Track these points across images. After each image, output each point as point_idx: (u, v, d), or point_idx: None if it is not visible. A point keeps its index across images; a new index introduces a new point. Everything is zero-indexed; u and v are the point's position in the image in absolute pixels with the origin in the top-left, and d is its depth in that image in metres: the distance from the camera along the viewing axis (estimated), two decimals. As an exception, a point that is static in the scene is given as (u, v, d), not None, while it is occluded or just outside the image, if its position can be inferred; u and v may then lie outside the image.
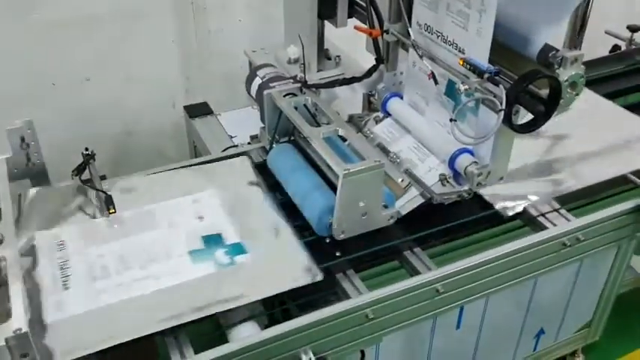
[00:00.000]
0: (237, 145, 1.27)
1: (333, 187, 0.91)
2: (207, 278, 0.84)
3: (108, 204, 0.91)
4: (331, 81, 1.05)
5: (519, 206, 1.00)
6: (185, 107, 1.44)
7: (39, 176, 0.99)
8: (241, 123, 1.36)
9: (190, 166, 1.08)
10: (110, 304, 0.79)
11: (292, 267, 0.86)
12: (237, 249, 0.89)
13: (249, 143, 1.26)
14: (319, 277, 0.85)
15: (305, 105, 1.00)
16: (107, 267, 0.84)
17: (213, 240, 0.90)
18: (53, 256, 0.86)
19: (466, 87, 0.84)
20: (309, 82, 1.03)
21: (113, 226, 0.91)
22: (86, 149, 1.01)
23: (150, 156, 1.67)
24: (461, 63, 0.86)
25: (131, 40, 1.52)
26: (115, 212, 0.91)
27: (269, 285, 0.84)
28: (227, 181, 1.02)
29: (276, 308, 0.90)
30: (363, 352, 0.90)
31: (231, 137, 1.33)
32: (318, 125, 0.98)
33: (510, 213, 0.99)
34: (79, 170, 0.99)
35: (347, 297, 0.85)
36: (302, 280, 0.85)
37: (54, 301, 0.79)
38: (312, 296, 0.88)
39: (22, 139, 0.95)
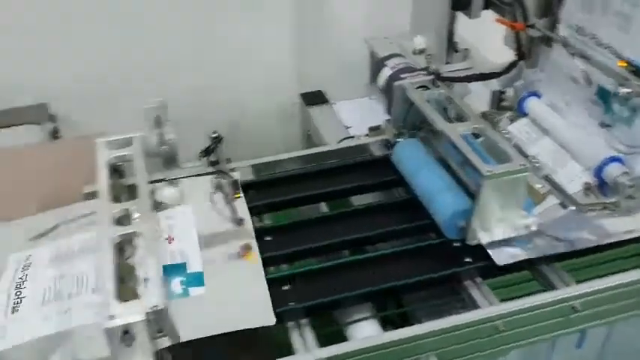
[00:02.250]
0: (353, 137, 1.25)
1: (464, 188, 0.87)
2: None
3: (235, 188, 0.91)
4: (467, 75, 1.00)
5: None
6: (302, 95, 1.43)
7: (169, 156, 1.00)
8: (358, 113, 1.34)
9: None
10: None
11: (245, 307, 0.76)
12: (196, 279, 0.79)
13: (366, 135, 1.24)
14: (271, 321, 0.74)
15: (437, 99, 0.96)
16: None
17: (175, 269, 0.80)
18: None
19: (628, 90, 0.77)
20: (442, 75, 0.98)
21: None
22: (214, 132, 1.01)
23: (257, 143, 1.68)
24: (622, 64, 0.79)
25: (247, 23, 1.53)
26: (240, 196, 0.90)
27: (205, 326, 0.73)
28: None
29: (391, 309, 0.88)
30: (485, 364, 0.85)
31: (347, 127, 1.31)
32: (450, 121, 0.94)
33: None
34: (207, 152, 1.00)
35: (475, 306, 0.81)
36: (248, 323, 0.73)
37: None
38: (435, 301, 0.85)
39: (157, 119, 0.97)
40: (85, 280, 0.77)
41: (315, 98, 1.42)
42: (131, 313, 0.65)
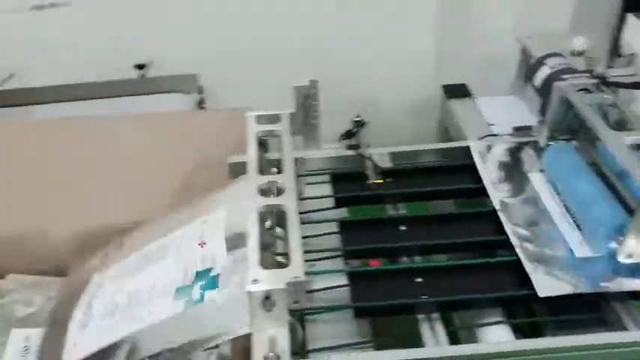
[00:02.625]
0: (496, 135, 1.20)
1: (621, 201, 0.82)
2: (169, 320, 0.73)
3: (376, 172, 0.91)
4: (638, 82, 0.93)
5: None
6: (444, 86, 1.41)
7: (311, 136, 1.03)
8: (502, 111, 1.29)
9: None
10: None
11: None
12: (212, 282, 0.74)
13: (510, 134, 1.19)
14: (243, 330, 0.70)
15: (601, 104, 0.90)
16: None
17: (203, 275, 0.76)
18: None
19: None
20: (608, 80, 0.92)
21: None
22: (357, 116, 1.02)
23: (388, 132, 1.68)
24: None
25: (392, 11, 1.53)
26: (382, 183, 0.91)
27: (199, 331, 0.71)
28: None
29: (522, 317, 0.84)
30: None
31: (490, 125, 1.26)
32: (611, 128, 0.88)
33: None
34: (347, 135, 1.01)
35: (621, 327, 0.76)
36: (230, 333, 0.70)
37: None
38: (572, 315, 0.80)
39: (306, 98, 0.99)
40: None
41: (457, 91, 1.39)
42: (273, 280, 0.67)
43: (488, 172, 0.98)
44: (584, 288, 0.76)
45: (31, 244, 1.07)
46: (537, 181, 0.93)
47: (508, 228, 0.85)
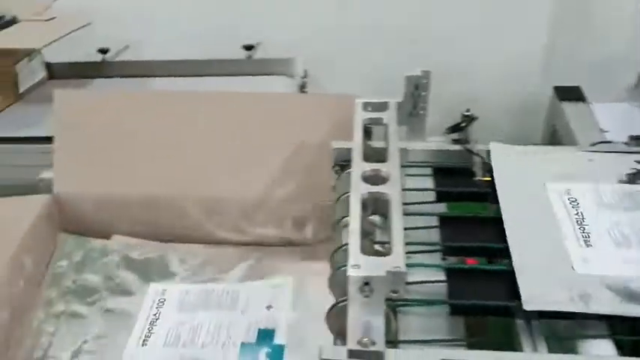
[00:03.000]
0: (610, 142, 1.15)
1: None
2: None
3: (484, 170, 0.89)
4: None
5: None
6: (555, 88, 1.36)
7: (417, 127, 1.01)
8: (618, 118, 1.23)
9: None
10: None
11: None
12: (277, 354, 0.82)
13: (625, 143, 1.13)
14: None
15: None
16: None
17: (266, 335, 0.85)
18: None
19: None
20: None
21: None
22: (467, 110, 1.00)
23: (489, 129, 1.63)
24: None
25: (508, 3, 1.48)
26: (490, 179, 0.88)
27: None
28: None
29: (624, 333, 0.80)
30: None
31: (603, 131, 1.21)
32: None
33: None
34: (455, 129, 0.99)
35: None
36: None
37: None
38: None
39: (416, 87, 0.98)
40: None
41: (570, 94, 1.33)
42: (374, 267, 0.67)
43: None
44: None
45: (136, 210, 1.13)
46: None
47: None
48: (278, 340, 0.89)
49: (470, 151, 0.93)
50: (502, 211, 0.84)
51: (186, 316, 0.96)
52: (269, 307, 0.95)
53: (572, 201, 0.85)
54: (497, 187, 0.87)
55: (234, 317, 0.94)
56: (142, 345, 0.91)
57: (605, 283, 0.74)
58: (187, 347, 0.90)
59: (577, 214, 0.83)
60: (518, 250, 0.79)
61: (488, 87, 1.60)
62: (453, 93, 1.58)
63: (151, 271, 1.08)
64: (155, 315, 0.97)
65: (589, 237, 0.80)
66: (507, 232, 0.81)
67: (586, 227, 0.81)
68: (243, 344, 0.89)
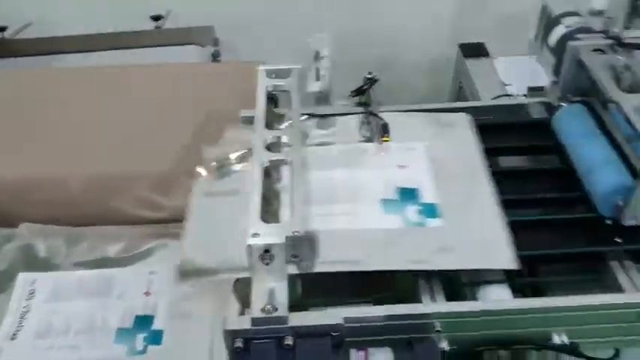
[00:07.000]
0: (511, 95, 1.19)
1: (628, 164, 0.81)
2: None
3: (384, 131, 0.91)
4: (655, 43, 0.90)
5: None
6: (460, 45, 1.39)
7: (321, 93, 1.02)
8: (518, 71, 1.27)
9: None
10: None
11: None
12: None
13: (524, 95, 1.17)
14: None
15: (614, 66, 0.88)
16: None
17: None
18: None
19: None
20: (624, 41, 0.90)
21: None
22: (369, 73, 1.01)
23: (402, 90, 1.66)
24: None
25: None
26: (389, 140, 0.91)
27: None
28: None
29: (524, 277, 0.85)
30: (617, 351, 0.80)
31: (505, 85, 1.25)
32: (623, 91, 0.86)
33: None
34: (358, 92, 1.00)
35: (618, 289, 0.76)
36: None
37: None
38: (570, 277, 0.81)
39: (317, 54, 0.98)
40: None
41: (474, 50, 1.37)
42: (272, 234, 0.69)
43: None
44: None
45: (45, 191, 1.09)
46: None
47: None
48: (157, 326, 0.87)
49: (371, 113, 0.95)
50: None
51: (59, 305, 0.91)
52: (147, 294, 0.92)
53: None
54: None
55: (110, 303, 0.91)
56: (11, 339, 0.87)
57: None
58: (60, 337, 0.87)
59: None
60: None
61: (405, 50, 1.62)
62: (365, 56, 1.59)
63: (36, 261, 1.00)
64: (25, 307, 0.91)
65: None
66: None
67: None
68: (119, 329, 0.87)
